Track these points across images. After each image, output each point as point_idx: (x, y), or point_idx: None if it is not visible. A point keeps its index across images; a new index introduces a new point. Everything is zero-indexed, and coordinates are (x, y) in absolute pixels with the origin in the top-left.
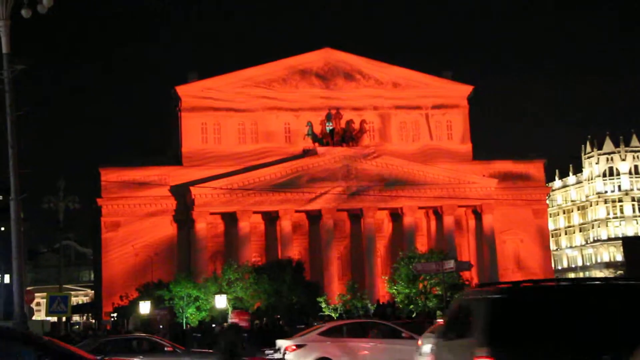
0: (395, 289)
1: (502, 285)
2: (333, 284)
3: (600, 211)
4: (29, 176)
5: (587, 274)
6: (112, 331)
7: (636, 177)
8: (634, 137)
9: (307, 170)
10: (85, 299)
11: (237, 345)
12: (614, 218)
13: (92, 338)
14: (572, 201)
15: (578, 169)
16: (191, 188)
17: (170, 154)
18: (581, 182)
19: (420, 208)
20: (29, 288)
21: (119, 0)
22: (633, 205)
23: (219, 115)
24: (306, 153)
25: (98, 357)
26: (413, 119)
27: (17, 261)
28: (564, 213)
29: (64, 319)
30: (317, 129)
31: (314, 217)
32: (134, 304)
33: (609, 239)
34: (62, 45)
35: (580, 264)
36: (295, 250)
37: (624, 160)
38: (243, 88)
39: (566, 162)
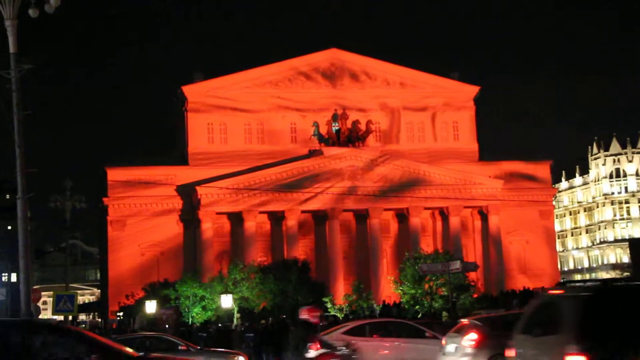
0: (401, 290)
1: (593, 284)
2: (339, 284)
3: (606, 212)
4: (36, 175)
5: (593, 275)
6: (117, 330)
7: None
8: None
9: (313, 171)
10: (92, 298)
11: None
12: (620, 219)
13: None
14: (578, 202)
15: (584, 170)
16: (197, 188)
17: (176, 154)
18: (588, 183)
19: (426, 209)
20: (35, 287)
21: (119, 0)
22: None
23: (225, 115)
24: (312, 153)
25: (140, 354)
26: (419, 119)
27: (24, 260)
28: (570, 214)
29: (70, 317)
30: (323, 130)
31: (320, 218)
32: (140, 303)
33: (616, 241)
34: (67, 45)
35: (586, 265)
36: (300, 250)
37: (630, 161)
38: (249, 88)
39: (572, 163)
